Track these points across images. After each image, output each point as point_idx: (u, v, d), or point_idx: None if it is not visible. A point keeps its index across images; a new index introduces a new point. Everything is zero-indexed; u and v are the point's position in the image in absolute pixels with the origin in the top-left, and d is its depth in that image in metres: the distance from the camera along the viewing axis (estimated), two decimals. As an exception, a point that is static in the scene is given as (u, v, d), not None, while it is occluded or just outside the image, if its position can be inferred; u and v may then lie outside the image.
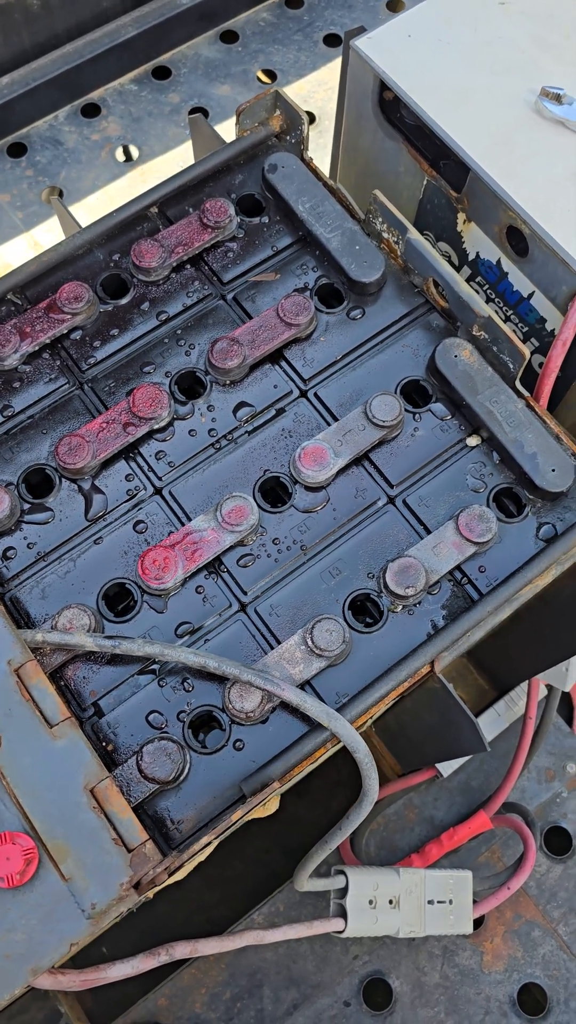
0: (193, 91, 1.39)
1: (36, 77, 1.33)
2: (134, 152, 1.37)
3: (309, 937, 0.93)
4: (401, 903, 0.87)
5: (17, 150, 1.35)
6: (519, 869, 0.94)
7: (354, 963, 0.97)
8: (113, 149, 1.36)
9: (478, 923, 0.97)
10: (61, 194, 1.33)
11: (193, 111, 1.38)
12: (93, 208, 1.31)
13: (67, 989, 0.62)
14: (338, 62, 1.42)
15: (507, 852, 1.02)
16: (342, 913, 0.85)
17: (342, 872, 0.86)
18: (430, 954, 0.98)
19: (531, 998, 0.98)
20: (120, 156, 1.36)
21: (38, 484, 0.71)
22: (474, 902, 0.92)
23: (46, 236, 1.30)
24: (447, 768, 1.02)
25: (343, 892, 0.86)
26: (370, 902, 0.86)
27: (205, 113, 1.38)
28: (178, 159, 1.35)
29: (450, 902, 0.90)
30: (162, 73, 1.41)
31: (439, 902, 0.89)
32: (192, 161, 1.33)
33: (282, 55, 1.42)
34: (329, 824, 1.07)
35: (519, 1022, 0.95)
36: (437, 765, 1.01)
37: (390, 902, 0.87)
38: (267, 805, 0.66)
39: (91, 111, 1.38)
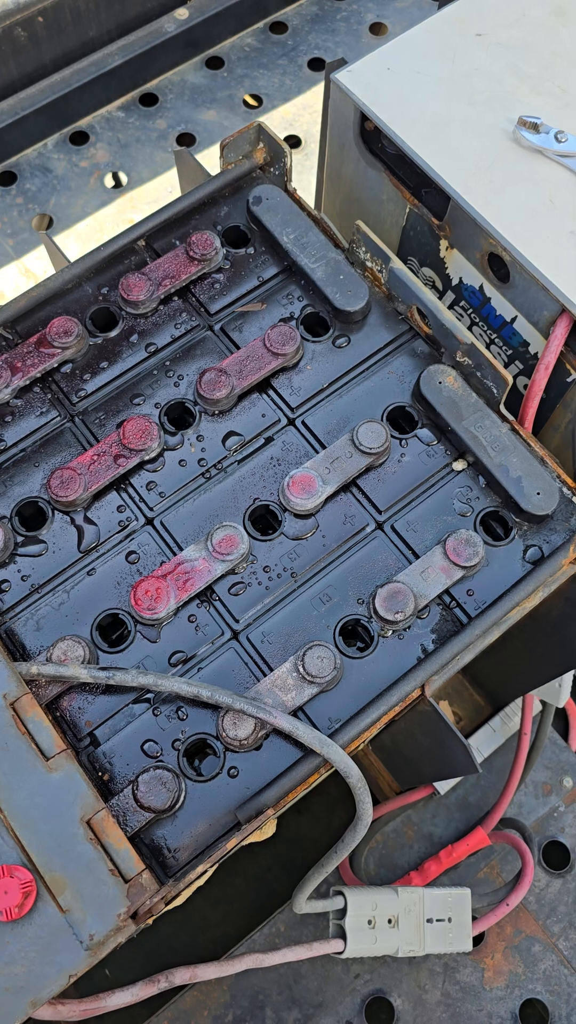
0: (180, 117, 1.41)
1: (25, 106, 1.35)
2: (123, 178, 1.38)
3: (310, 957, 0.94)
4: (400, 922, 0.88)
5: (7, 178, 1.37)
6: (517, 885, 0.94)
7: (355, 982, 0.97)
8: (102, 175, 1.37)
9: (478, 940, 0.98)
10: (51, 222, 1.34)
11: (180, 136, 1.39)
12: (83, 235, 1.33)
13: (67, 1019, 0.63)
14: (323, 85, 1.44)
15: (506, 868, 1.03)
16: (341, 934, 0.86)
17: (340, 893, 0.87)
18: (431, 972, 0.98)
19: (534, 1013, 0.98)
20: (109, 182, 1.38)
21: (31, 517, 0.72)
22: (473, 919, 0.92)
23: (37, 263, 1.31)
24: (444, 785, 1.03)
25: (342, 913, 0.87)
26: (369, 922, 0.86)
27: (192, 139, 1.39)
28: (166, 184, 1.37)
29: (449, 920, 0.90)
30: (149, 100, 1.42)
31: (438, 920, 0.90)
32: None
33: (267, 79, 1.44)
34: (329, 841, 1.08)
35: (521, 1038, 0.96)
36: (434, 782, 1.01)
37: (389, 921, 0.88)
38: (263, 829, 0.67)
39: (79, 138, 1.40)
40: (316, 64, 1.45)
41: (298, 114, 1.41)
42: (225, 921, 1.11)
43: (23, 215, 1.34)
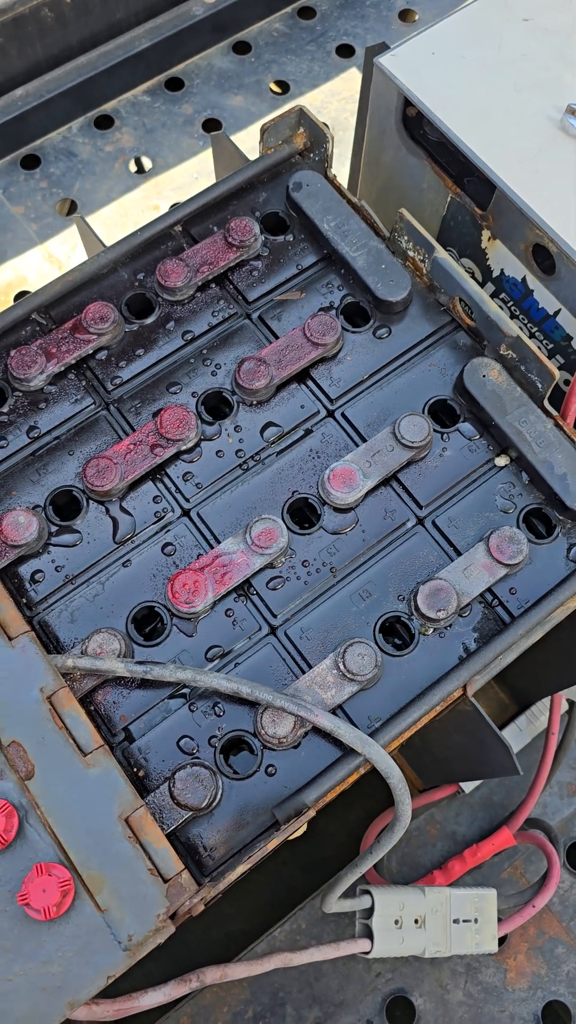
0: (206, 102, 1.39)
1: (50, 89, 1.33)
2: (147, 163, 1.36)
3: (332, 956, 0.93)
4: (427, 922, 0.87)
5: (31, 162, 1.35)
6: (544, 886, 0.93)
7: (377, 981, 0.96)
8: (127, 160, 1.35)
9: (501, 940, 0.97)
10: (74, 206, 1.32)
11: (206, 122, 1.37)
12: (107, 220, 1.31)
13: (102, 1019, 0.62)
14: (352, 72, 1.42)
15: (530, 868, 1.01)
16: (368, 933, 0.85)
17: (368, 892, 0.86)
18: (453, 972, 0.97)
19: (555, 1015, 0.97)
20: (133, 167, 1.36)
21: (65, 506, 0.71)
22: (499, 920, 0.91)
23: (60, 248, 1.30)
24: (468, 784, 1.02)
25: (369, 912, 0.85)
26: (396, 922, 0.85)
27: (218, 124, 1.37)
28: (191, 170, 1.35)
29: (475, 921, 0.89)
30: (175, 84, 1.40)
31: (464, 921, 0.89)
32: (206, 173, 1.34)
33: (295, 65, 1.41)
34: (345, 838, 1.07)
35: (544, 1040, 0.95)
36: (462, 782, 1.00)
37: (416, 921, 0.87)
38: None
39: (104, 123, 1.38)
40: (344, 50, 1.43)
41: (326, 101, 1.39)
42: (239, 916, 1.09)
43: (47, 199, 1.32)
